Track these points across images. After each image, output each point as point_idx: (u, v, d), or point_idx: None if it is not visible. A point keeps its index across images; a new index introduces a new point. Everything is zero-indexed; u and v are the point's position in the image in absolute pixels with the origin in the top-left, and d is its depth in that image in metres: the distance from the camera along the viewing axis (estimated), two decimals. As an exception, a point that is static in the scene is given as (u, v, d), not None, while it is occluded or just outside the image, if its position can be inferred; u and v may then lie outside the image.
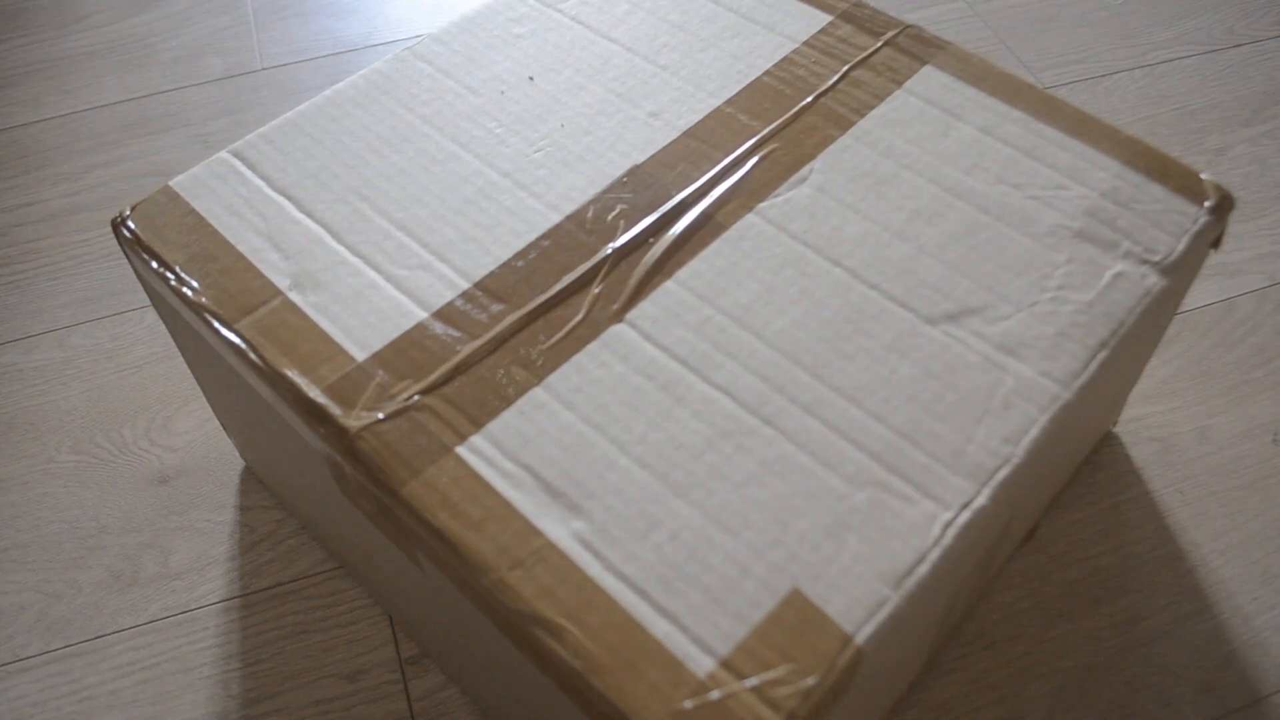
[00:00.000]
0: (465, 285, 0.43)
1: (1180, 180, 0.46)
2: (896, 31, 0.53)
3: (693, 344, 0.41)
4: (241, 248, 0.45)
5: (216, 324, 0.43)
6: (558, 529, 0.36)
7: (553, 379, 0.40)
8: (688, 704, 0.32)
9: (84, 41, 0.90)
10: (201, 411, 0.65)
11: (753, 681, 0.33)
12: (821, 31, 0.53)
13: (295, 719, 0.53)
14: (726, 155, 0.47)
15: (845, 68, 0.51)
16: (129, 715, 0.53)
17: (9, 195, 0.78)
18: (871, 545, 0.35)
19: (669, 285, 0.43)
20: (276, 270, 0.44)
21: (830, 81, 0.50)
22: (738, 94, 0.50)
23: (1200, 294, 0.69)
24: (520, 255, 0.44)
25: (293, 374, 0.41)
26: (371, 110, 0.50)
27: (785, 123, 0.49)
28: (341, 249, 0.45)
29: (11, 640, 0.56)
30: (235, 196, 0.47)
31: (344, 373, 0.41)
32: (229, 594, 0.57)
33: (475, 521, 0.36)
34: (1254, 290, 0.69)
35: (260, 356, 0.41)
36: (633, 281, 0.43)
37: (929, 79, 0.50)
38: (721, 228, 0.45)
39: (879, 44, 0.52)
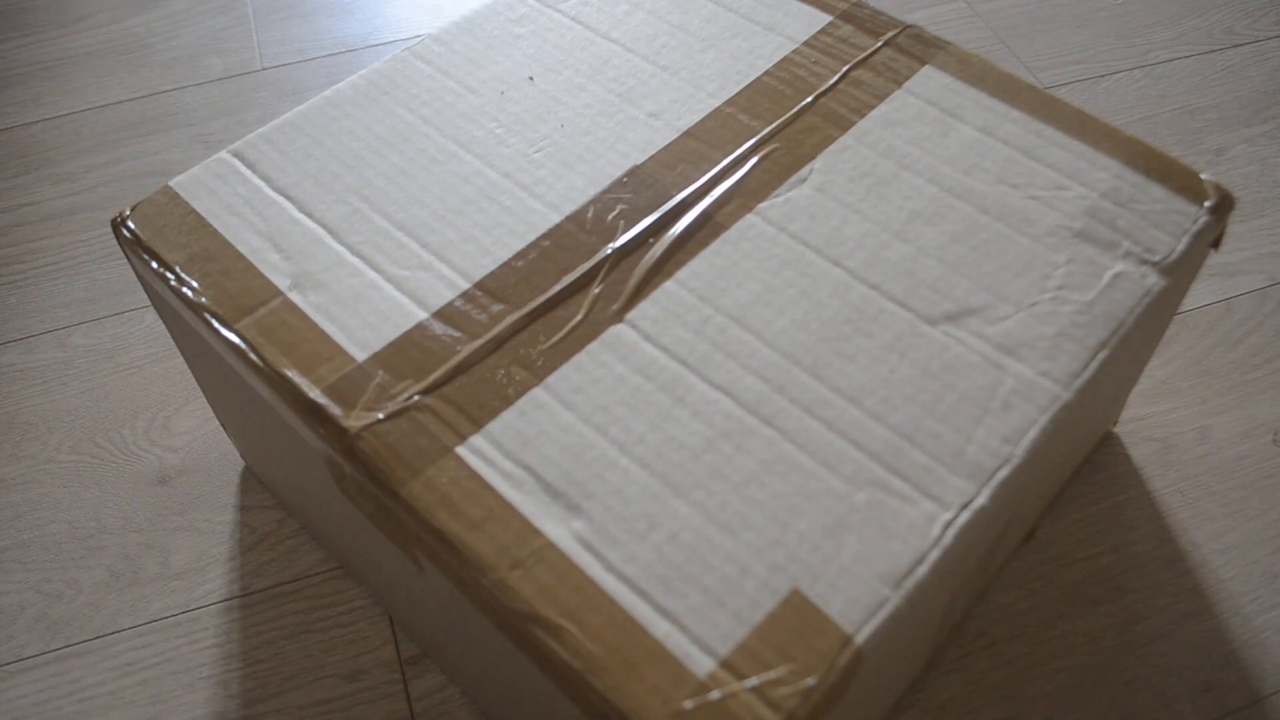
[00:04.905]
0: (465, 285, 0.43)
1: (1180, 180, 0.46)
2: (896, 31, 0.53)
3: (693, 344, 0.41)
4: (241, 248, 0.45)
5: (216, 324, 0.43)
6: (558, 529, 0.36)
7: (553, 379, 0.40)
8: (688, 704, 0.32)
9: (84, 41, 0.90)
10: (201, 411, 0.65)
11: (753, 682, 0.33)
12: (821, 32, 0.53)
13: (295, 719, 0.53)
14: (726, 155, 0.47)
15: (845, 68, 0.51)
16: (129, 715, 0.53)
17: (9, 195, 0.78)
18: (871, 545, 0.35)
19: (669, 285, 0.43)
20: (276, 270, 0.44)
21: (830, 82, 0.50)
22: (738, 94, 0.50)
23: (1200, 294, 0.69)
24: (520, 255, 0.44)
25: (293, 374, 0.41)
26: (371, 110, 0.50)
27: (785, 123, 0.49)
28: (341, 249, 0.45)
29: (11, 640, 0.56)
30: (235, 196, 0.47)
31: (344, 373, 0.41)
32: (229, 594, 0.57)
33: (475, 521, 0.36)
34: (1254, 290, 0.69)
35: (260, 356, 0.41)
36: (633, 281, 0.43)
37: (929, 79, 0.50)
38: (721, 228, 0.45)
39: (879, 44, 0.52)
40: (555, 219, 0.45)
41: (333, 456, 0.40)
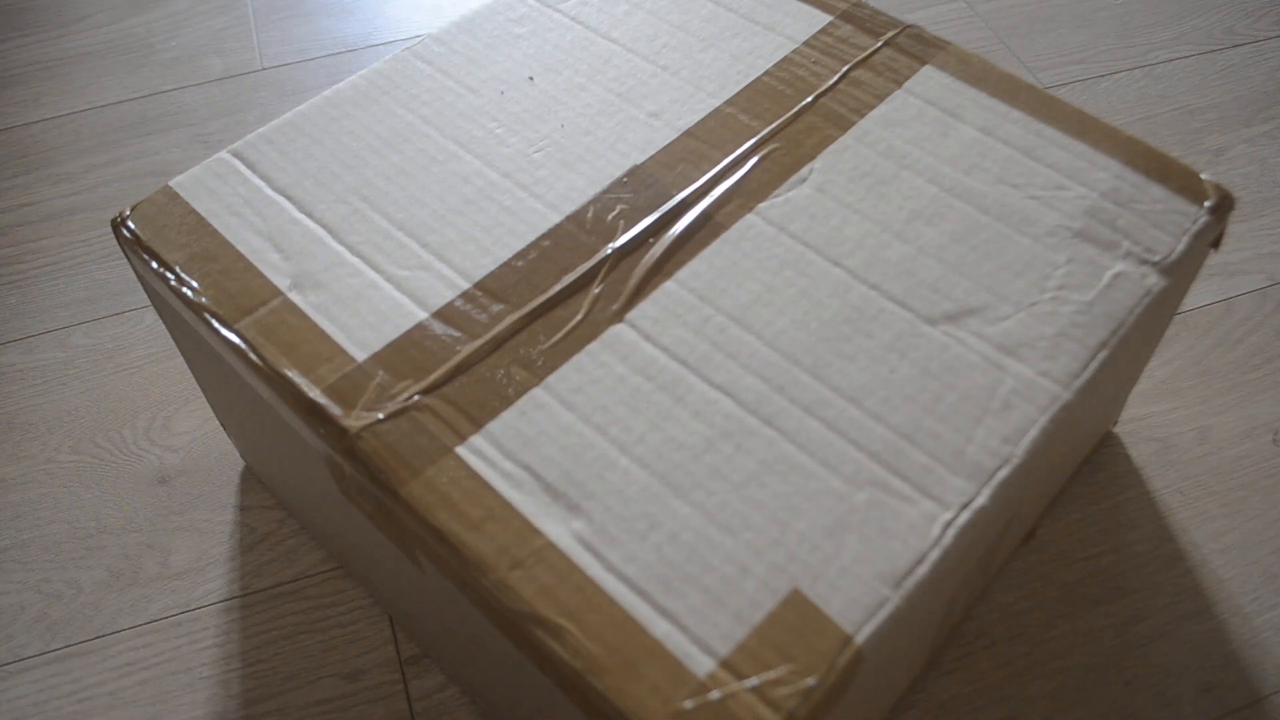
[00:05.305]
0: (465, 285, 0.43)
1: (1180, 180, 0.46)
2: (896, 31, 0.53)
3: (693, 344, 0.41)
4: (241, 248, 0.45)
5: (216, 324, 0.43)
6: (558, 529, 0.36)
7: (553, 379, 0.40)
8: (688, 704, 0.32)
9: (84, 41, 0.90)
10: (201, 411, 0.65)
11: (753, 682, 0.33)
12: (821, 31, 0.53)
13: (295, 719, 0.53)
14: (726, 155, 0.47)
15: (845, 68, 0.51)
16: (129, 715, 0.53)
17: (9, 195, 0.78)
18: (871, 545, 0.35)
19: (669, 285, 0.43)
20: (276, 270, 0.44)
21: (830, 82, 0.50)
22: (738, 94, 0.50)
23: (1200, 294, 0.69)
24: (520, 255, 0.44)
25: (293, 374, 0.41)
26: (371, 110, 0.50)
27: (785, 123, 0.49)
28: (341, 249, 0.45)
29: (11, 640, 0.56)
30: (235, 196, 0.47)
31: (344, 373, 0.41)
32: (229, 594, 0.57)
33: (475, 521, 0.36)
34: (1254, 290, 0.69)
35: (260, 356, 0.41)
36: (633, 281, 0.43)
37: (929, 79, 0.50)
38: (721, 228, 0.45)
39: (879, 44, 0.52)
40: (555, 219, 0.45)
41: (333, 456, 0.40)
